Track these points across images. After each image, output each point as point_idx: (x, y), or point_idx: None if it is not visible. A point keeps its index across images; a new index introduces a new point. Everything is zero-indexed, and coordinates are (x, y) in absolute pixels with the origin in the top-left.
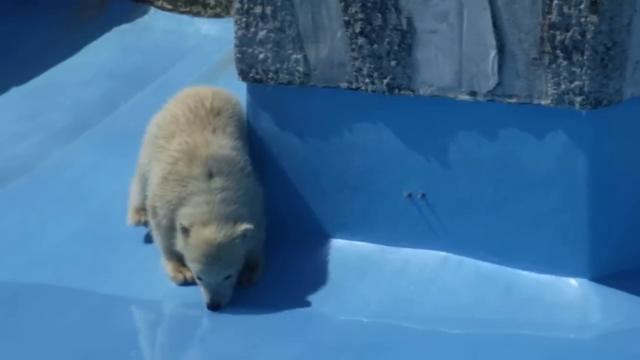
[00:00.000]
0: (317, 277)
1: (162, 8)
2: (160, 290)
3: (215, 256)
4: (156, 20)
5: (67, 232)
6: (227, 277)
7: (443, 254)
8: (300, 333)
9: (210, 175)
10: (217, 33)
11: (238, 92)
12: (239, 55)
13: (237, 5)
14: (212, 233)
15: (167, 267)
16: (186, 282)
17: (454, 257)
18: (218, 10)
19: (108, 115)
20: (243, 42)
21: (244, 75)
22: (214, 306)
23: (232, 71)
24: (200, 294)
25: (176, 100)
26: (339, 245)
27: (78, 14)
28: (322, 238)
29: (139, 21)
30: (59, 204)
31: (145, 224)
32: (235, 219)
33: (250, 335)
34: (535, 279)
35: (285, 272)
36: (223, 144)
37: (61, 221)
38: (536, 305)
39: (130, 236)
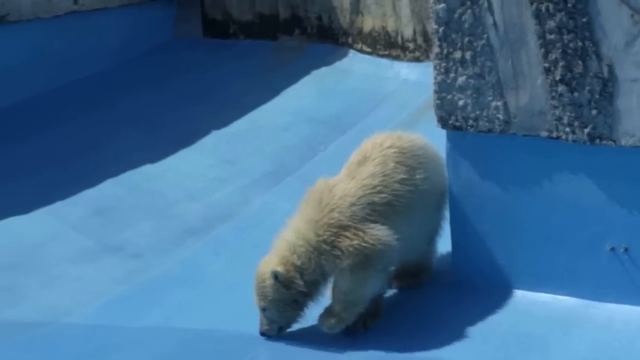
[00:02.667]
0: (521, 330)
1: (361, 51)
2: (365, 343)
3: (254, 283)
4: (355, 63)
5: None
6: (263, 310)
7: None
8: None
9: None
10: (416, 78)
11: (438, 139)
12: (439, 102)
13: (436, 49)
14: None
15: None
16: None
17: None
18: (417, 54)
19: (308, 161)
20: (442, 88)
21: (443, 122)
22: (260, 333)
23: (432, 117)
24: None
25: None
26: (542, 299)
27: (278, 57)
28: (524, 291)
29: (338, 64)
30: (263, 252)
31: None
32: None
33: None
34: None
35: (489, 325)
36: (342, 187)
37: None
38: None
39: None
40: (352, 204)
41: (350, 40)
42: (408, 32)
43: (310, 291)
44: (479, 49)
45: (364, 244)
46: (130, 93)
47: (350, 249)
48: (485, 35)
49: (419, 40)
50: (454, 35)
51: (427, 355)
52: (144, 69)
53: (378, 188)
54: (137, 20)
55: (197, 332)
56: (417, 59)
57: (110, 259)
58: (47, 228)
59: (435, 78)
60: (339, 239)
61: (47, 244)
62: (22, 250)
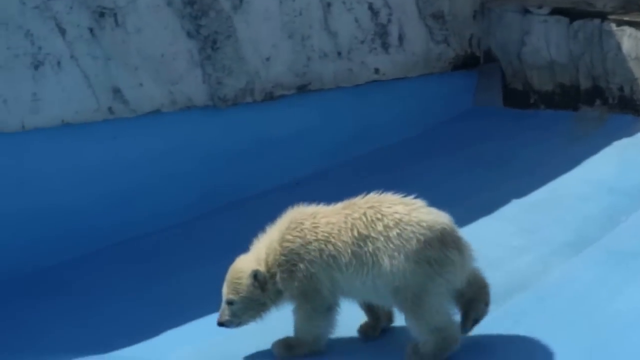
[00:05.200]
0: None
1: None
2: None
3: (227, 277)
4: None
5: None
6: (229, 303)
7: None
8: None
9: None
10: None
11: None
12: None
13: None
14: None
15: None
16: None
17: None
18: None
19: (609, 231)
20: None
21: None
22: (218, 322)
23: None
24: None
25: None
26: None
27: (578, 127)
28: None
29: (639, 135)
30: (563, 322)
31: None
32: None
33: None
34: None
35: None
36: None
37: (568, 341)
38: None
39: None
40: (309, 242)
41: None
42: None
43: (276, 298)
44: None
45: (300, 281)
46: (429, 159)
47: (296, 282)
48: None
49: None
50: None
51: None
52: (445, 136)
53: (330, 238)
54: (438, 89)
55: None
56: None
57: None
58: None
59: None
60: (293, 267)
61: None
62: None
